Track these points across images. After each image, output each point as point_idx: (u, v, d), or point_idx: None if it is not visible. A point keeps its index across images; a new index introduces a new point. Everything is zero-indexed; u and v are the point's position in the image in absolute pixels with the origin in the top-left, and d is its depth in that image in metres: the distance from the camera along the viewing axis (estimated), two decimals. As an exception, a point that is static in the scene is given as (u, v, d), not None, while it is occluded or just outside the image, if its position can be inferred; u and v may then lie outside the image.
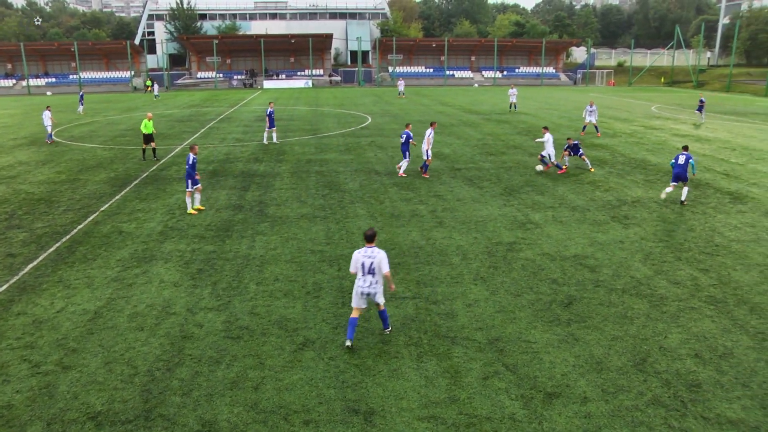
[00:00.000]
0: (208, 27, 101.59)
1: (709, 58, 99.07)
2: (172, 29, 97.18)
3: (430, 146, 21.61)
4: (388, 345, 9.57)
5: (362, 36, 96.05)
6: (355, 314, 9.44)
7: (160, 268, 13.04)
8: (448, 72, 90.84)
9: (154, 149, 25.98)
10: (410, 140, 21.65)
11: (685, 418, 7.65)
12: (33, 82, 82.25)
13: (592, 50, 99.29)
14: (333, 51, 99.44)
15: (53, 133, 32.57)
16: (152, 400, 8.11)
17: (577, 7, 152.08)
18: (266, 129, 30.19)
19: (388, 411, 7.84)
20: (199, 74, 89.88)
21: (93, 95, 69.59)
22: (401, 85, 64.28)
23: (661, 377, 8.56)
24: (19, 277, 12.62)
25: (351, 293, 9.73)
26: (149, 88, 66.69)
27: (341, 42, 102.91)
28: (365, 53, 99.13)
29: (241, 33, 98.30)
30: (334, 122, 39.59)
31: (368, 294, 9.33)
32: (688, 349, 9.35)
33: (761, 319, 10.39)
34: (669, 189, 18.15)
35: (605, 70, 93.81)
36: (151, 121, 25.63)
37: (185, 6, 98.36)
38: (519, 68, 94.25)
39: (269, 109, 29.95)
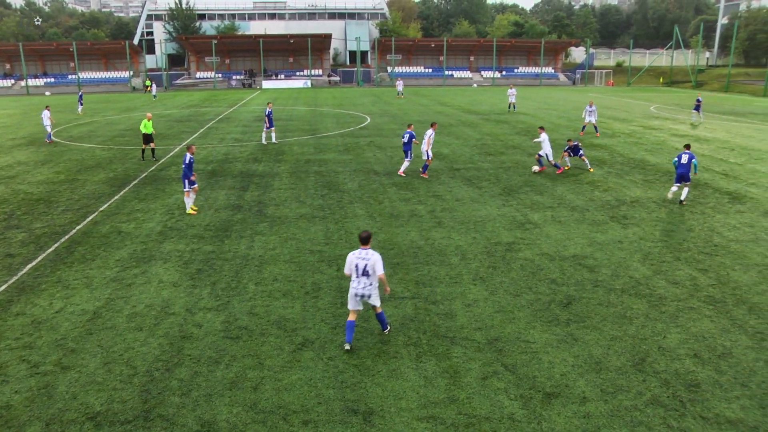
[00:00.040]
0: (207, 27, 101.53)
1: (707, 58, 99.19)
2: (171, 29, 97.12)
3: (430, 147, 21.63)
4: (387, 345, 9.57)
5: (361, 36, 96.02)
6: (351, 317, 9.41)
7: (159, 268, 13.04)
8: (446, 72, 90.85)
9: (153, 149, 25.97)
10: (413, 139, 21.70)
11: (684, 417, 7.65)
12: (32, 82, 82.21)
13: (591, 50, 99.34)
14: (332, 51, 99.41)
15: (52, 132, 32.52)
16: (151, 401, 8.11)
17: (576, 7, 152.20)
18: (265, 129, 30.20)
19: (387, 411, 7.84)
20: (198, 74, 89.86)
21: (92, 95, 69.53)
22: (400, 85, 64.31)
23: (660, 377, 8.57)
24: (17, 278, 12.61)
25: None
26: (149, 88, 66.67)
27: (340, 42, 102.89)
28: (364, 53, 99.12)
29: (239, 33, 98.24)
30: (332, 122, 39.59)
31: (363, 296, 9.28)
32: (687, 349, 9.36)
33: (760, 318, 10.40)
34: (674, 188, 18.14)
35: (604, 70, 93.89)
36: (150, 121, 25.61)
37: (184, 6, 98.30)
38: (518, 68, 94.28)
39: (268, 110, 29.98)
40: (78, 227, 16.16)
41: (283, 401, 8.09)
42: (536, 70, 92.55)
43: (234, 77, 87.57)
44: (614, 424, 7.52)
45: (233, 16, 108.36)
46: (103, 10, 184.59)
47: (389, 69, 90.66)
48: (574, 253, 13.71)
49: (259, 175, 22.62)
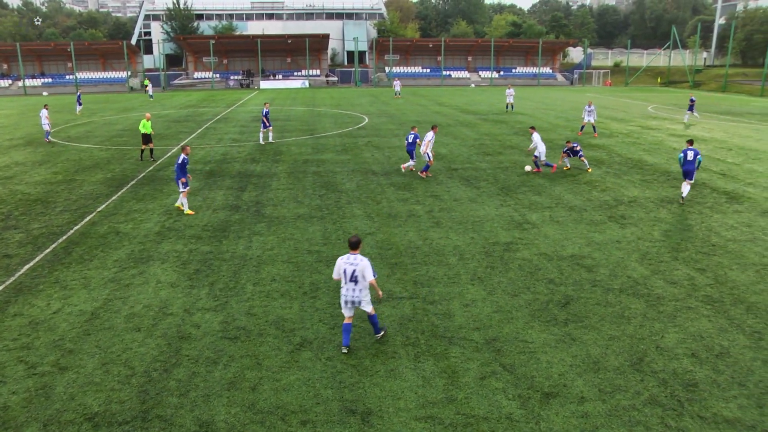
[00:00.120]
0: (205, 27, 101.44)
1: (705, 59, 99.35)
2: (169, 29, 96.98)
3: (429, 149, 21.67)
4: (385, 345, 9.57)
5: (359, 36, 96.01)
6: (348, 320, 9.37)
7: (157, 268, 13.02)
8: (444, 72, 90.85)
9: (151, 150, 25.93)
10: (417, 140, 21.79)
11: (681, 417, 7.67)
12: (29, 82, 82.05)
13: (589, 50, 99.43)
14: (330, 51, 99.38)
15: (49, 133, 32.44)
16: (149, 401, 8.10)
17: (574, 7, 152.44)
18: (262, 129, 30.19)
19: (385, 411, 7.84)
20: (196, 74, 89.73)
21: (89, 95, 69.40)
22: (397, 85, 64.32)
23: (658, 377, 8.58)
24: (15, 278, 12.58)
25: (348, 293, 9.71)
26: (148, 88, 66.63)
27: (338, 42, 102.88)
28: (362, 53, 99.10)
29: (237, 33, 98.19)
30: (330, 122, 39.58)
31: (353, 302, 9.19)
32: (685, 349, 9.37)
33: (757, 318, 10.42)
34: (687, 187, 18.18)
35: (602, 71, 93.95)
36: (149, 121, 25.58)
37: (182, 6, 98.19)
38: (516, 68, 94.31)
39: (265, 110, 29.98)
40: (76, 228, 16.14)
41: (282, 401, 8.09)
42: (534, 70, 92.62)
43: (232, 77, 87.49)
44: (612, 424, 7.52)
45: (231, 16, 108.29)
46: (101, 10, 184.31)
47: (387, 69, 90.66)
48: (572, 253, 13.73)
49: (257, 175, 22.60)
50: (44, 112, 32.16)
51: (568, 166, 23.15)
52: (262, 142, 30.29)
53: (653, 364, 8.93)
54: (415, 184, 20.89)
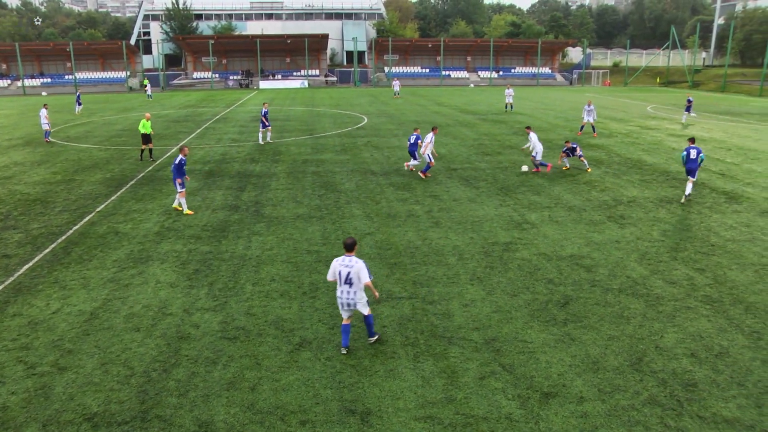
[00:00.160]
0: (204, 27, 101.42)
1: (704, 59, 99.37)
2: (168, 29, 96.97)
3: (429, 150, 21.67)
4: (384, 345, 9.57)
5: (358, 36, 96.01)
6: (346, 321, 9.34)
7: (157, 268, 13.02)
8: (444, 72, 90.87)
9: (150, 150, 25.92)
10: (418, 141, 21.84)
11: (681, 417, 7.67)
12: (28, 82, 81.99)
13: (588, 50, 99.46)
14: (329, 51, 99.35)
15: (47, 132, 32.42)
16: (149, 401, 8.10)
17: (573, 7, 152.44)
18: (261, 129, 30.19)
19: (384, 411, 7.85)
20: (195, 74, 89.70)
21: (89, 95, 69.33)
22: (396, 85, 64.34)
23: (657, 377, 8.58)
24: (14, 278, 12.58)
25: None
26: (146, 88, 66.59)
27: (337, 42, 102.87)
28: (361, 53, 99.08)
29: (236, 33, 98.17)
30: (330, 122, 39.58)
31: (348, 304, 9.14)
32: (684, 349, 9.38)
33: (756, 318, 10.43)
34: (690, 185, 18.30)
35: (601, 71, 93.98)
36: (149, 121, 25.58)
37: (181, 6, 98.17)
38: (515, 68, 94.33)
39: (264, 109, 30.01)
40: (75, 228, 16.14)
41: (281, 401, 8.09)
42: (533, 70, 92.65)
43: (231, 77, 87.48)
44: (612, 424, 7.53)
45: (230, 16, 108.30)
46: (100, 10, 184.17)
47: (386, 69, 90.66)
48: (572, 253, 13.73)
49: (257, 175, 22.60)
50: (44, 112, 32.15)
51: (568, 166, 23.17)
52: (261, 142, 30.29)
53: (652, 364, 8.94)
54: (414, 184, 20.89)
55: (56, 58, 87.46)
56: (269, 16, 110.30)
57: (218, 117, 43.78)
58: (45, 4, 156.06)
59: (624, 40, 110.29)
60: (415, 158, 22.27)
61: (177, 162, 17.05)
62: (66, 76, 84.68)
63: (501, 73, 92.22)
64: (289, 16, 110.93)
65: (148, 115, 26.07)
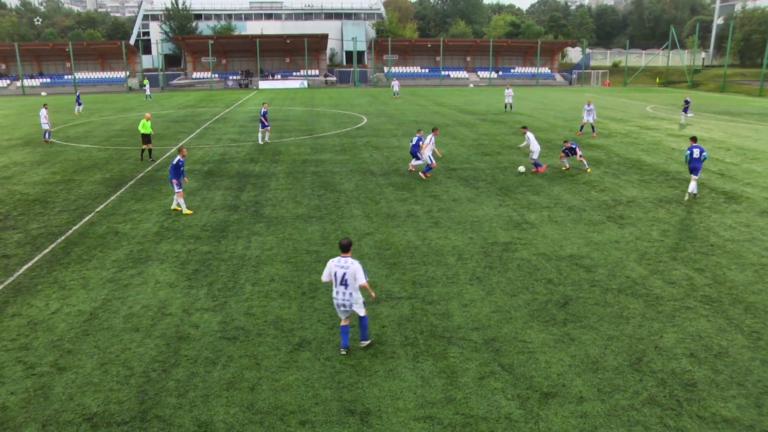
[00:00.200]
0: (204, 27, 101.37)
1: (703, 59, 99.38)
2: (167, 29, 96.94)
3: (429, 152, 21.66)
4: (384, 345, 9.57)
5: (358, 36, 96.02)
6: (344, 322, 9.32)
7: (156, 268, 13.01)
8: (443, 72, 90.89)
9: (150, 150, 25.91)
10: (420, 142, 21.86)
11: (680, 417, 7.67)
12: (27, 82, 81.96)
13: (588, 50, 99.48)
14: (328, 51, 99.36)
15: (47, 132, 32.39)
16: (148, 401, 8.09)
17: (572, 7, 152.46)
18: (260, 129, 30.19)
19: (384, 411, 7.84)
20: (195, 74, 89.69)
21: (88, 95, 69.28)
22: (396, 85, 64.34)
23: (656, 377, 8.59)
24: (14, 279, 12.57)
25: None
26: (145, 88, 66.56)
27: (337, 42, 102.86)
28: (360, 53, 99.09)
29: (236, 33, 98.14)
30: (329, 123, 39.57)
31: (344, 306, 9.09)
32: (684, 349, 9.38)
33: (756, 318, 10.43)
34: (693, 184, 18.41)
35: (600, 71, 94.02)
36: (149, 121, 25.58)
37: (180, 6, 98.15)
38: (514, 68, 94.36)
39: (263, 109, 30.03)
40: (74, 228, 16.13)
41: (280, 401, 8.08)
42: (533, 70, 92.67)
43: (230, 77, 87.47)
44: (611, 424, 7.53)
45: (230, 16, 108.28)
46: (99, 10, 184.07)
47: (386, 69, 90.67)
48: (571, 253, 13.73)
49: (256, 175, 22.60)
50: (43, 112, 32.13)
51: (567, 165, 23.17)
52: (260, 142, 30.28)
53: (652, 363, 8.94)
54: (414, 184, 20.89)
55: (55, 58, 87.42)
56: (269, 16, 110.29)
57: (218, 117, 43.77)
58: (44, 4, 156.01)
59: (623, 40, 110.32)
60: (417, 158, 22.28)
61: (174, 163, 17.07)
62: (65, 76, 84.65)
63: (500, 73, 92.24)
64: (289, 16, 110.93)
65: (148, 115, 26.07)
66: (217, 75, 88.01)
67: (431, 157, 21.70)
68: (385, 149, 28.24)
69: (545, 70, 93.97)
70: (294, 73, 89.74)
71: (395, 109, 48.01)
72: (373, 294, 9.34)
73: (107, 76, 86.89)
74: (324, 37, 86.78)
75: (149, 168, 24.27)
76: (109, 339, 9.84)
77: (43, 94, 77.10)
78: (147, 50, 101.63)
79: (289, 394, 8.26)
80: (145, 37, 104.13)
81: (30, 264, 13.41)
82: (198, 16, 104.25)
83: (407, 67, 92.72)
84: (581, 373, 8.68)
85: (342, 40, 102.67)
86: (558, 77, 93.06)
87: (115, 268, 13.08)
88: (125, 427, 7.58)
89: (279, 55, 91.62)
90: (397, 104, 53.11)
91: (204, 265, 13.15)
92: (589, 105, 32.32)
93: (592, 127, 32.46)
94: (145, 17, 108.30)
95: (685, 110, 38.80)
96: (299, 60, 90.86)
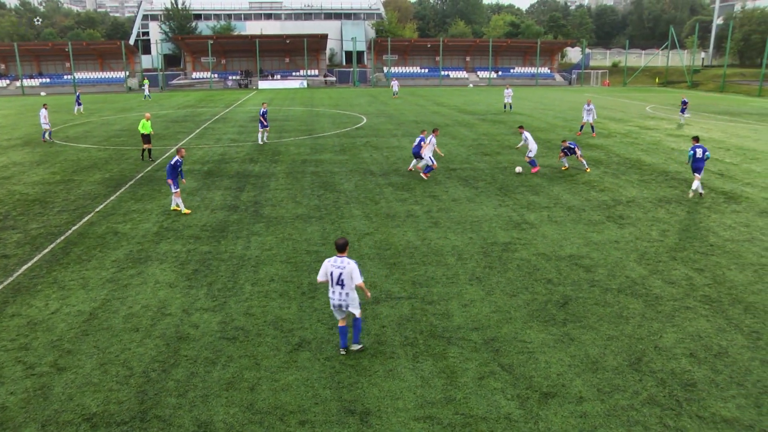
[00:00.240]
0: (203, 27, 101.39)
1: (703, 59, 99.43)
2: (167, 29, 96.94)
3: (430, 152, 21.66)
4: (383, 345, 9.57)
5: (357, 36, 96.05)
6: (341, 323, 9.30)
7: (156, 268, 13.01)
8: (443, 72, 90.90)
9: (149, 150, 25.91)
10: (422, 142, 21.87)
11: (680, 417, 7.67)
12: (27, 82, 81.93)
13: (587, 51, 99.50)
14: (328, 51, 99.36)
15: (46, 132, 32.37)
16: (148, 401, 8.09)
17: (572, 7, 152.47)
18: (260, 129, 30.19)
19: (383, 411, 7.84)
20: (194, 74, 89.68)
21: (88, 95, 69.23)
22: (395, 85, 64.34)
23: (656, 377, 8.59)
24: (13, 279, 12.57)
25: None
26: (144, 87, 66.53)
27: (336, 42, 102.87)
28: (360, 53, 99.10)
29: (235, 33, 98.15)
30: (329, 123, 39.57)
31: (340, 306, 9.04)
32: (683, 349, 9.38)
33: (755, 318, 10.43)
34: (697, 183, 18.54)
35: (600, 71, 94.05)
36: (149, 121, 25.58)
37: (180, 6, 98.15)
38: (514, 69, 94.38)
39: (262, 109, 30.03)
40: (74, 228, 16.12)
41: (280, 402, 8.08)
42: (532, 70, 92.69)
43: (230, 77, 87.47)
44: (611, 424, 7.53)
45: (229, 16, 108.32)
46: (99, 10, 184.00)
47: (385, 69, 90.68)
48: (571, 253, 13.74)
49: (256, 175, 22.60)
50: (43, 112, 32.11)
51: (567, 165, 23.18)
52: (260, 142, 30.28)
53: (652, 363, 8.94)
54: (414, 184, 20.89)
55: (55, 58, 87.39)
56: (268, 16, 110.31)
57: (217, 117, 43.76)
58: (44, 4, 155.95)
59: (623, 40, 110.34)
60: (421, 158, 22.21)
61: (172, 163, 17.07)
62: (65, 76, 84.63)
63: (500, 73, 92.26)
64: (288, 16, 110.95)
65: (148, 115, 26.07)
66: (216, 75, 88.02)
67: (432, 158, 21.69)
68: (384, 149, 28.24)
69: (545, 70, 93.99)
70: (293, 73, 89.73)
71: (395, 109, 48.01)
72: (368, 294, 9.33)
73: (107, 76, 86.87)
74: (323, 37, 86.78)
75: (149, 168, 24.27)
76: (108, 339, 9.84)
77: (43, 94, 77.07)
78: (146, 50, 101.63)
79: (289, 394, 8.26)
80: (145, 37, 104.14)
81: (29, 264, 13.40)
82: (197, 16, 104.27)
83: (407, 67, 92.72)
84: (581, 373, 8.68)
85: (341, 40, 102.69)
86: (557, 77, 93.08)
87: (115, 268, 13.08)
88: (125, 427, 7.57)
89: (278, 55, 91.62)
90: (397, 104, 53.11)
91: (204, 265, 13.15)
92: (588, 105, 32.33)
93: (592, 127, 32.46)
94: (145, 17, 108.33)
95: (683, 111, 38.81)
96: (299, 60, 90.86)
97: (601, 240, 14.69)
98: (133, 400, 8.14)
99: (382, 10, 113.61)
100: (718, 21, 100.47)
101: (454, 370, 8.79)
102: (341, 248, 9.05)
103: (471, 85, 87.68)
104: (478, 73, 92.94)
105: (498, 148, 28.47)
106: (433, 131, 22.43)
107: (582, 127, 33.16)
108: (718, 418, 7.64)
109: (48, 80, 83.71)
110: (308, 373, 8.78)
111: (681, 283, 12.03)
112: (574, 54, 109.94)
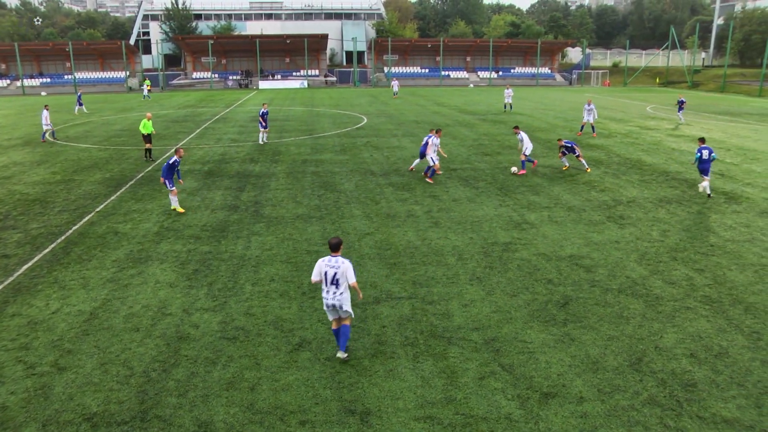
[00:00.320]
0: (203, 27, 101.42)
1: (703, 59, 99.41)
2: (167, 29, 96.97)
3: (433, 153, 21.62)
4: (383, 345, 9.57)
5: (358, 36, 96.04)
6: (334, 326, 9.25)
7: (156, 268, 13.01)
8: (443, 72, 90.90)
9: (150, 150, 25.91)
10: (429, 140, 21.86)
11: (680, 417, 7.67)
12: (27, 82, 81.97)
13: (588, 51, 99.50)
14: (328, 51, 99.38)
15: (46, 132, 32.38)
16: (148, 401, 8.09)
17: (573, 7, 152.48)
18: (260, 129, 30.20)
19: (384, 411, 7.84)
20: (195, 74, 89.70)
21: (88, 95, 69.20)
22: (395, 85, 64.33)
23: (656, 377, 8.59)
24: (13, 278, 12.57)
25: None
26: (149, 87, 66.53)
27: (336, 42, 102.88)
28: (360, 54, 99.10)
29: (236, 33, 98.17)
30: (329, 123, 39.57)
31: (334, 306, 8.95)
32: (684, 349, 9.38)
33: (756, 318, 10.43)
34: (705, 183, 18.68)
35: (600, 71, 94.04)
36: (150, 121, 25.59)
37: (180, 6, 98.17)
38: (514, 69, 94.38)
39: (263, 110, 30.03)
40: (74, 228, 16.13)
41: (280, 401, 8.08)
42: (533, 70, 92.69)
43: (230, 77, 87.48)
44: (611, 424, 7.53)
45: (229, 16, 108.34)
46: (99, 10, 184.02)
47: (386, 69, 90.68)
48: (571, 253, 13.73)
49: (256, 175, 22.60)
50: (45, 113, 32.12)
51: (567, 165, 23.17)
52: (260, 142, 30.28)
53: (652, 364, 8.94)
54: (414, 184, 20.89)
55: (55, 58, 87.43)
56: (269, 16, 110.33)
57: (217, 117, 43.77)
58: (44, 4, 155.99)
59: (623, 41, 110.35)
60: (425, 158, 22.15)
61: (170, 162, 17.06)
62: (65, 76, 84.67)
63: (500, 73, 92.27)
64: (289, 16, 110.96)
65: (149, 114, 26.09)
66: (217, 75, 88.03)
67: (433, 158, 21.63)
68: (385, 149, 28.24)
69: (545, 70, 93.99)
70: (294, 73, 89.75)
71: (395, 110, 48.01)
72: (360, 295, 9.31)
73: (107, 76, 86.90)
74: (324, 37, 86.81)
75: (149, 168, 24.28)
76: (109, 339, 9.84)
77: (43, 94, 77.10)
78: (147, 50, 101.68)
79: (289, 394, 8.26)
80: (145, 37, 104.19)
81: (30, 264, 13.41)
82: (198, 16, 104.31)
83: (407, 68, 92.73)
84: (581, 374, 8.68)
85: (342, 40, 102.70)
86: (558, 77, 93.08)
87: (115, 268, 13.08)
88: (125, 427, 7.58)
89: (279, 55, 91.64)
90: (397, 104, 53.11)
91: (204, 265, 13.15)
92: (589, 105, 32.32)
93: (593, 127, 32.45)
94: (145, 17, 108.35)
95: (680, 110, 38.80)
96: (299, 60, 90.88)
97: (602, 240, 14.69)
98: (133, 399, 8.14)
99: (382, 10, 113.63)
100: (718, 21, 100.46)
101: (455, 370, 8.79)
102: (335, 247, 8.98)
103: (471, 85, 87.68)
104: (479, 73, 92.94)
105: (498, 148, 28.46)
106: (436, 132, 22.32)
107: (582, 127, 33.15)
108: (718, 419, 7.64)
109: (48, 80, 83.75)
110: (308, 373, 8.78)
111: (681, 283, 12.03)
112: (574, 54, 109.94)
